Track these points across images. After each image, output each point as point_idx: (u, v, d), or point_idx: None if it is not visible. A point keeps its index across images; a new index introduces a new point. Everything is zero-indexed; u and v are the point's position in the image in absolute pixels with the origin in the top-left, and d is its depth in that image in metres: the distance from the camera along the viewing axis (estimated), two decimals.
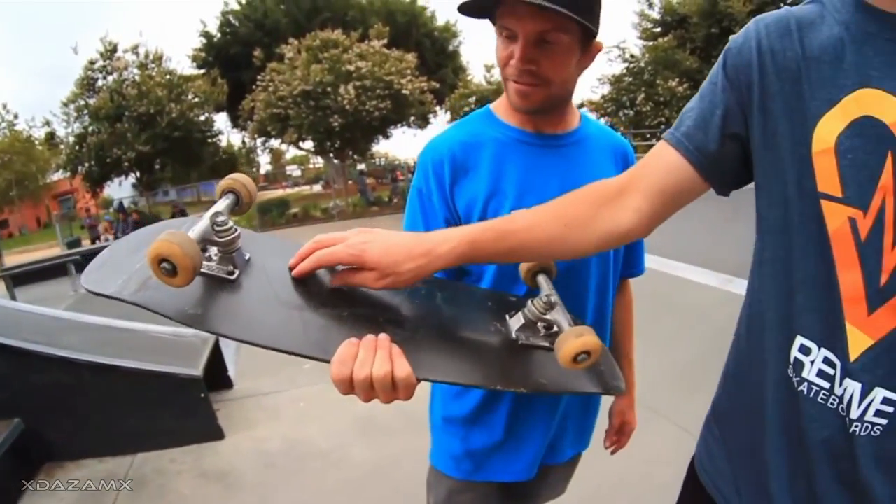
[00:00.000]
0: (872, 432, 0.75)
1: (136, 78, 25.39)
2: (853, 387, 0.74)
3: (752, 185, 0.93)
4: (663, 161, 0.92)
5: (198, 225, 0.87)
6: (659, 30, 29.74)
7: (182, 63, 43.66)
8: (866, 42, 0.74)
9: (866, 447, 0.76)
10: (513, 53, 1.14)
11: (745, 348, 0.92)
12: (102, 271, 0.88)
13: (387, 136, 24.05)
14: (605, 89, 27.44)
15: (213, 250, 0.90)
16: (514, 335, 1.01)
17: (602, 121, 27.71)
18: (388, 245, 0.88)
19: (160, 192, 32.31)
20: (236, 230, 0.91)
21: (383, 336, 0.85)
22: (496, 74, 28.80)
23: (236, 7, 31.94)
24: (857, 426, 0.76)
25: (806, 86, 0.77)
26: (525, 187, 1.23)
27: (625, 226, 0.94)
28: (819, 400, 0.78)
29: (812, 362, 0.78)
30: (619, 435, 1.67)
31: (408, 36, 29.98)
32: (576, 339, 0.88)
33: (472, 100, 27.94)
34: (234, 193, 0.95)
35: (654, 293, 7.19)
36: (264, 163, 39.99)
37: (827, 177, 0.74)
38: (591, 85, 29.61)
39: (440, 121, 31.32)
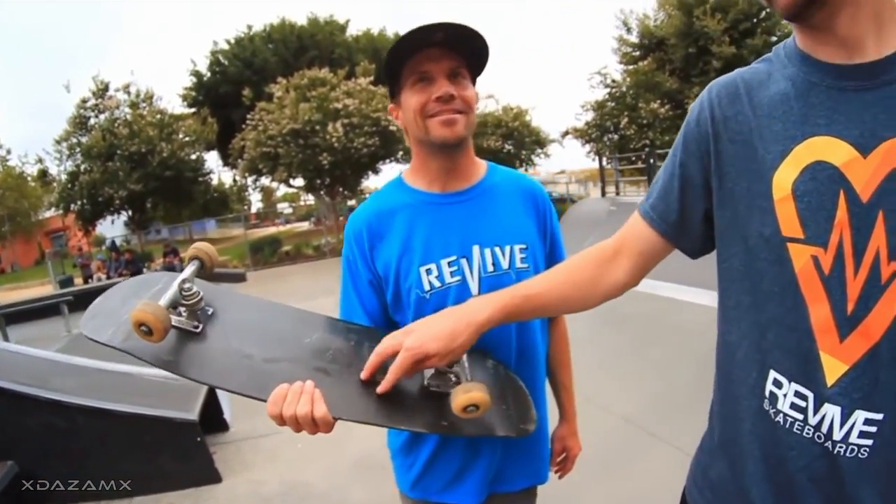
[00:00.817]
0: (860, 454, 0.78)
1: (128, 117, 25.47)
2: (832, 411, 0.78)
3: None
4: (636, 229, 1.07)
5: (168, 293, 1.08)
6: (638, 53, 30.19)
7: (173, 102, 44.12)
8: (810, 92, 0.81)
9: (854, 468, 0.79)
10: (431, 93, 1.30)
11: (723, 384, 0.96)
12: (97, 320, 1.08)
13: (376, 172, 24.23)
14: (589, 116, 27.77)
15: (182, 308, 1.10)
16: (426, 382, 1.17)
17: (587, 147, 28.23)
18: (436, 332, 1.04)
19: (152, 231, 32.22)
20: (199, 293, 1.12)
21: (309, 382, 1.05)
22: (482, 107, 29.38)
23: (225, 47, 32.53)
24: (841, 448, 0.79)
25: (759, 144, 0.84)
26: (433, 244, 1.37)
27: (621, 282, 1.09)
28: (795, 430, 0.83)
29: (785, 395, 0.83)
30: (563, 461, 1.71)
31: None
32: (463, 394, 1.03)
33: None
34: (199, 260, 1.17)
35: (648, 316, 7.25)
36: (256, 200, 40.04)
37: (789, 221, 0.80)
38: (574, 112, 29.95)
39: None
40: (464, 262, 1.36)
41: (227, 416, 4.55)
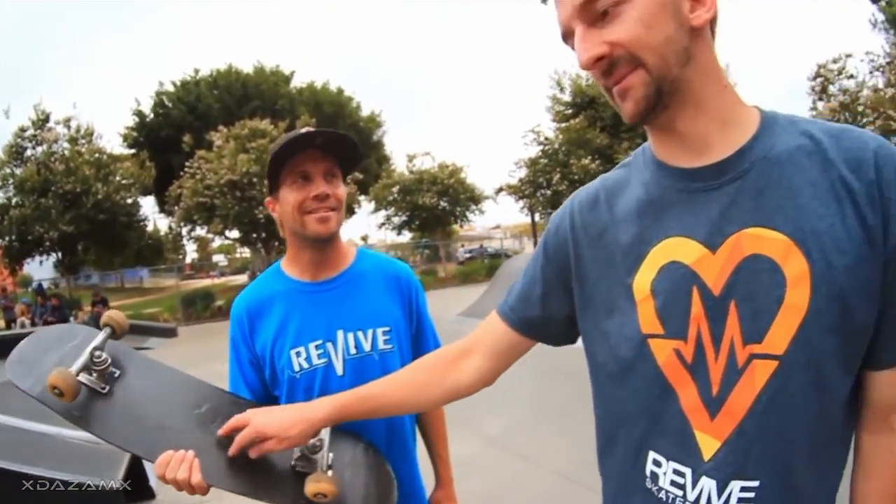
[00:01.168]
0: None
1: (66, 152, 24.42)
2: (709, 484, 0.83)
3: None
4: (495, 328, 1.10)
5: (81, 359, 1.22)
6: (570, 111, 31.10)
7: (112, 141, 42.76)
8: (663, 196, 0.86)
9: None
10: (309, 192, 1.44)
11: (609, 467, 1.01)
12: (21, 366, 1.23)
13: None
14: (522, 172, 28.45)
15: (93, 371, 1.25)
16: (292, 462, 1.30)
17: (520, 203, 28.98)
18: (278, 419, 1.18)
19: (82, 276, 31.11)
20: (108, 360, 1.26)
21: (190, 452, 1.19)
22: (418, 164, 29.89)
23: (171, 88, 32.15)
24: None
25: (617, 248, 0.90)
26: (302, 329, 1.49)
27: (467, 382, 1.13)
28: (673, 503, 0.87)
29: (664, 473, 0.88)
30: None
31: (334, 125, 30.28)
32: (313, 483, 1.18)
33: (395, 189, 29.05)
34: (110, 328, 1.30)
35: (582, 370, 7.40)
36: (191, 250, 38.62)
37: (648, 319, 0.85)
38: (508, 170, 30.58)
39: (364, 210, 31.84)
40: (329, 345, 1.48)
41: (152, 482, 4.32)
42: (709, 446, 0.83)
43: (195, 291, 22.64)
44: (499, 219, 55.09)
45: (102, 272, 31.74)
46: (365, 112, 35.68)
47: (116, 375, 1.29)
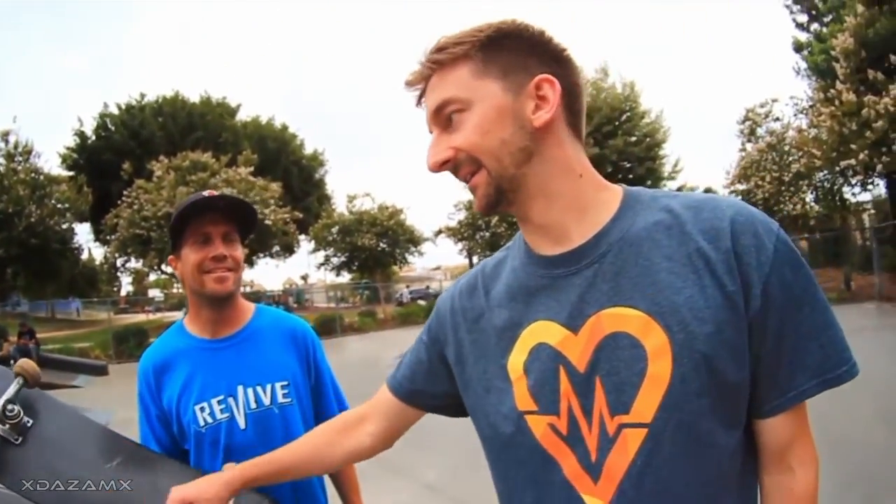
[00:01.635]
0: None
1: (0, 169, 23.20)
2: None
3: None
4: (386, 397, 1.15)
5: None
6: None
7: (51, 161, 41.02)
8: (530, 281, 0.90)
9: None
10: (209, 252, 1.49)
11: None
12: None
13: (251, 265, 24.03)
14: (462, 215, 28.53)
15: (7, 423, 1.23)
16: None
17: (459, 245, 29.25)
18: (199, 484, 1.17)
19: (10, 303, 29.53)
20: (20, 413, 1.25)
21: None
22: (358, 204, 29.80)
23: (115, 111, 31.39)
24: None
25: (492, 331, 0.93)
26: (205, 385, 1.53)
27: (366, 445, 1.17)
28: None
29: None
30: None
31: (277, 162, 30.75)
32: None
33: (335, 229, 28.91)
34: (22, 378, 1.27)
35: None
36: (126, 283, 37.28)
37: (523, 397, 0.87)
38: (447, 212, 30.47)
39: (304, 250, 31.38)
40: (231, 400, 1.53)
41: None
42: None
43: (128, 327, 21.82)
44: (439, 260, 55.18)
45: (32, 301, 30.56)
46: (308, 150, 35.65)
47: (30, 425, 1.27)
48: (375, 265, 30.67)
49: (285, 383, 1.57)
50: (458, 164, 0.87)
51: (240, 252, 1.57)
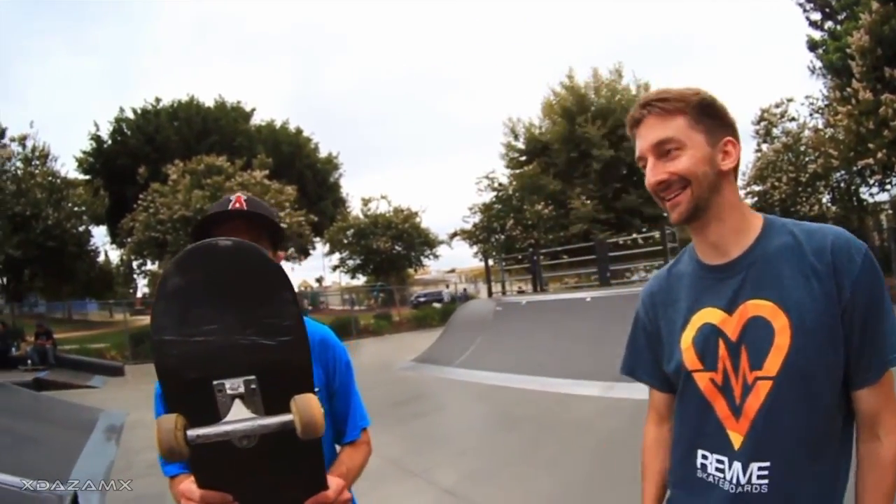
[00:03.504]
0: (761, 490, 1.21)
1: (18, 172, 23.42)
2: (738, 466, 1.23)
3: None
4: (654, 395, 1.51)
5: None
6: (524, 158, 31.82)
7: (67, 165, 41.40)
8: (699, 282, 1.33)
9: (757, 499, 1.22)
10: None
11: (673, 463, 1.42)
12: None
13: None
14: (477, 218, 28.74)
15: None
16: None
17: (475, 248, 29.19)
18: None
19: (28, 304, 30.09)
20: None
21: None
22: (373, 207, 30.16)
23: (131, 115, 31.63)
24: (747, 488, 1.23)
25: (672, 312, 1.37)
26: None
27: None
28: (718, 484, 1.28)
29: (710, 463, 1.29)
30: None
31: (291, 166, 30.85)
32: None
33: (350, 232, 29.08)
34: None
35: (537, 415, 7.42)
36: (142, 285, 37.21)
37: (692, 360, 1.30)
38: (462, 215, 30.28)
39: (318, 253, 31.49)
40: None
41: None
42: (736, 440, 1.25)
43: (145, 328, 22.05)
44: (455, 263, 55.19)
45: (50, 302, 30.76)
46: (322, 153, 35.80)
47: None
48: (390, 268, 30.62)
49: (317, 389, 1.47)
50: (670, 185, 1.25)
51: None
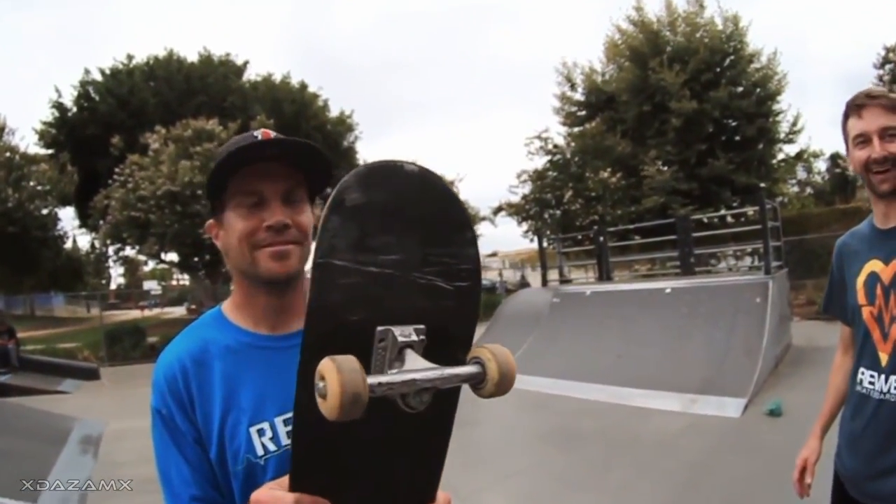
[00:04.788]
0: None
1: None
2: (882, 378, 2.11)
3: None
4: (843, 330, 2.48)
5: None
6: (584, 113, 31.18)
7: (27, 138, 41.79)
8: (871, 241, 2.22)
9: (894, 406, 2.06)
10: (262, 219, 1.33)
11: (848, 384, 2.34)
12: None
13: None
14: (527, 188, 28.43)
15: None
16: None
17: (524, 226, 28.67)
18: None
19: None
20: None
21: None
22: None
23: (98, 77, 31.82)
24: (888, 396, 2.08)
25: (854, 263, 2.26)
26: (262, 398, 1.35)
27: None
28: (871, 395, 2.15)
29: (866, 378, 2.17)
30: None
31: (296, 128, 30.79)
32: None
33: None
34: None
35: (604, 431, 7.46)
36: (117, 275, 38.41)
37: (862, 296, 2.20)
38: (509, 185, 29.71)
39: None
40: None
41: None
42: (884, 359, 2.10)
43: (122, 325, 22.43)
44: (497, 244, 54.93)
45: (9, 296, 31.36)
46: (333, 112, 35.70)
47: None
48: None
49: None
50: (887, 161, 2.05)
51: (307, 217, 1.40)
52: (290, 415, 1.23)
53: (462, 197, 29.39)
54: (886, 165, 2.03)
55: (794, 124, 27.67)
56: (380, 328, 1.02)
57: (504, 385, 1.00)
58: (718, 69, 26.74)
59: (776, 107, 27.19)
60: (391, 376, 0.94)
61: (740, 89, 26.48)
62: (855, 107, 2.10)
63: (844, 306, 2.32)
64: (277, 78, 35.08)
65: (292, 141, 1.34)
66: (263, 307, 1.42)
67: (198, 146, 22.09)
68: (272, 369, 1.37)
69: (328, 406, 0.86)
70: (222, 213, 1.39)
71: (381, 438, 1.09)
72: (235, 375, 1.37)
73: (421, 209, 1.07)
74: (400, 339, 1.01)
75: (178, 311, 34.68)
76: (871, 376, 2.12)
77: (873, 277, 2.16)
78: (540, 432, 8.02)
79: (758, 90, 26.44)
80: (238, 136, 1.45)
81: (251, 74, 35.03)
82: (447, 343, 1.07)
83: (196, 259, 23.28)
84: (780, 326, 10.49)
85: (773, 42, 40.36)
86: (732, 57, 26.88)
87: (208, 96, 31.08)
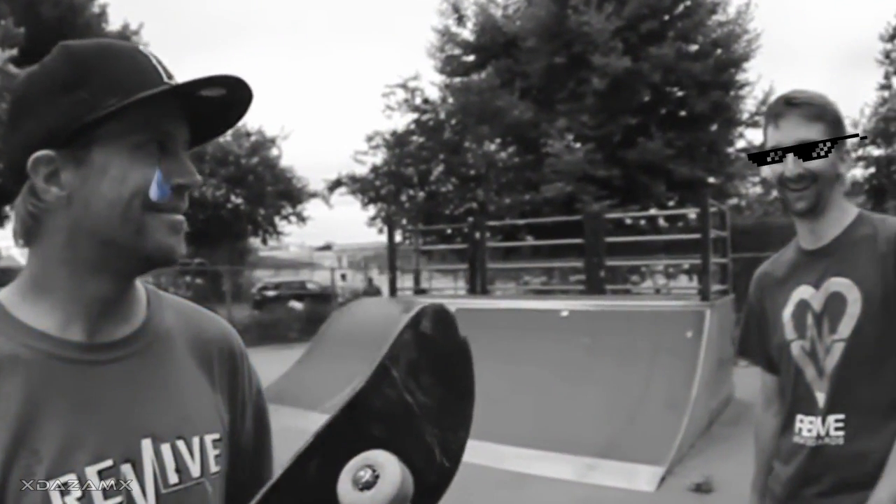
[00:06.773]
0: (838, 443, 2.51)
1: None
2: (818, 420, 2.55)
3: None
4: (765, 378, 3.05)
5: None
6: (472, 59, 31.37)
7: None
8: (798, 265, 2.75)
9: (834, 451, 2.52)
10: (169, 171, 1.33)
11: (782, 431, 2.80)
12: None
13: None
14: (379, 157, 28.49)
15: None
16: None
17: (371, 209, 28.71)
18: None
19: None
20: None
21: None
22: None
23: None
24: (826, 440, 2.53)
25: (779, 296, 2.77)
26: (68, 439, 1.29)
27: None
28: (807, 443, 2.59)
29: (804, 426, 2.61)
30: None
31: (54, 43, 29.60)
32: None
33: None
34: None
35: None
36: None
37: (791, 330, 2.67)
38: (353, 149, 29.45)
39: None
40: (128, 469, 1.32)
41: None
42: (821, 399, 2.58)
43: None
44: (332, 234, 55.41)
45: None
46: (114, 25, 35.70)
47: None
48: (219, 234, 30.39)
49: (217, 437, 1.47)
50: (803, 178, 2.58)
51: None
52: (108, 463, 1.29)
53: (285, 161, 29.40)
54: (803, 183, 2.49)
55: (764, 103, 27.24)
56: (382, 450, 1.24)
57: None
58: (666, 17, 27.72)
59: (741, 76, 28.48)
60: None
61: (694, 48, 27.67)
62: (773, 115, 2.59)
63: (767, 347, 2.83)
64: None
65: (244, 81, 1.37)
66: (91, 301, 1.37)
67: None
68: (86, 394, 1.34)
69: (377, 495, 1.14)
70: (85, 148, 1.30)
71: None
72: (30, 404, 1.29)
73: (442, 363, 1.38)
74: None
75: None
76: (811, 423, 2.58)
77: (802, 306, 2.65)
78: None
79: (718, 51, 27.68)
80: (117, 40, 1.46)
81: None
82: None
83: None
84: (717, 372, 11.03)
85: (763, 23, 41.36)
86: (688, 2, 27.62)
87: None
